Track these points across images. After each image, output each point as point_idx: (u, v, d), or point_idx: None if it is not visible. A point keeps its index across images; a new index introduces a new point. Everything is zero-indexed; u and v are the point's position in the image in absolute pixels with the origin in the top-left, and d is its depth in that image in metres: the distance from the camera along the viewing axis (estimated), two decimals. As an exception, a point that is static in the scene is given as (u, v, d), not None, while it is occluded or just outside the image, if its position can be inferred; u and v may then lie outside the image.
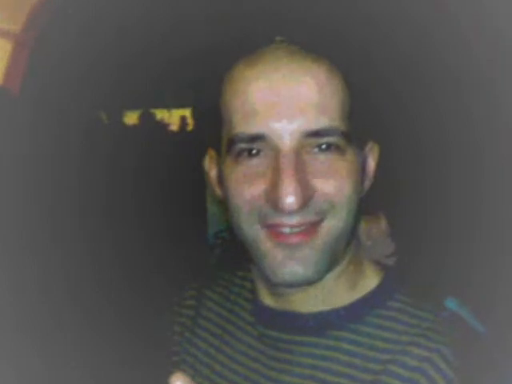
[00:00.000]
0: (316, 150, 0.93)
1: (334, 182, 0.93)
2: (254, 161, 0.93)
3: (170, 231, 5.05)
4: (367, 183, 1.03)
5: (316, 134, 0.92)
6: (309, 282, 0.95)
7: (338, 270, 1.01)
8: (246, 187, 0.94)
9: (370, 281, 1.04)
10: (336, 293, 1.02)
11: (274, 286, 1.01)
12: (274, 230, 0.94)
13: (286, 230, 0.93)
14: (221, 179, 1.01)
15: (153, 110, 7.48)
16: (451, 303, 1.04)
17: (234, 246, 1.05)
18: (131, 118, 7.14)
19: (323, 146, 0.93)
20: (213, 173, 1.05)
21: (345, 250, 1.00)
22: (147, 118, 7.13)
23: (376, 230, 2.10)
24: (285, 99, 0.91)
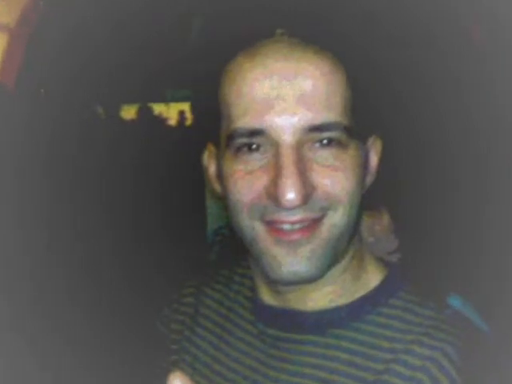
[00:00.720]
0: (317, 145, 0.92)
1: (335, 178, 0.93)
2: (254, 156, 0.93)
3: (168, 228, 5.05)
4: (370, 178, 1.03)
5: (317, 128, 0.91)
6: (309, 280, 0.95)
7: (339, 267, 1.01)
8: (246, 183, 0.93)
9: (373, 278, 1.04)
10: (337, 290, 1.01)
11: (274, 284, 1.01)
12: (274, 226, 0.93)
13: (287, 226, 0.93)
14: (220, 175, 1.00)
15: (151, 104, 7.46)
16: (455, 301, 1.04)
17: (233, 242, 1.05)
18: (129, 112, 7.12)
19: (325, 141, 0.92)
20: (212, 168, 1.05)
21: (347, 246, 0.99)
22: (145, 113, 7.12)
23: (378, 226, 2.09)
24: (285, 93, 0.90)
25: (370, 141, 1.02)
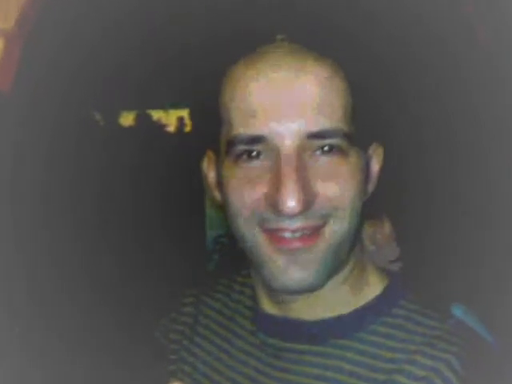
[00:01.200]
0: (318, 152, 0.93)
1: (336, 185, 0.93)
2: (254, 163, 0.93)
3: (167, 236, 5.04)
4: (371, 186, 1.03)
5: (318, 135, 0.91)
6: (311, 289, 0.95)
7: (341, 275, 1.01)
8: (246, 190, 0.94)
9: (375, 287, 1.04)
10: (339, 300, 1.01)
11: (275, 293, 1.01)
12: (274, 234, 0.93)
13: (287, 234, 0.93)
14: (220, 182, 1.00)
15: (149, 111, 7.46)
16: (458, 310, 1.04)
17: (233, 251, 1.05)
18: (127, 119, 7.13)
19: (325, 148, 0.93)
20: (211, 175, 1.05)
21: (348, 255, 0.99)
22: (143, 119, 7.13)
23: (380, 235, 2.10)
24: (286, 99, 0.91)
25: (371, 148, 1.02)
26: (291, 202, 0.89)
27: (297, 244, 0.93)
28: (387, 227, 2.11)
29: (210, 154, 1.04)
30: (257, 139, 0.92)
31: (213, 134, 0.99)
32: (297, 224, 0.92)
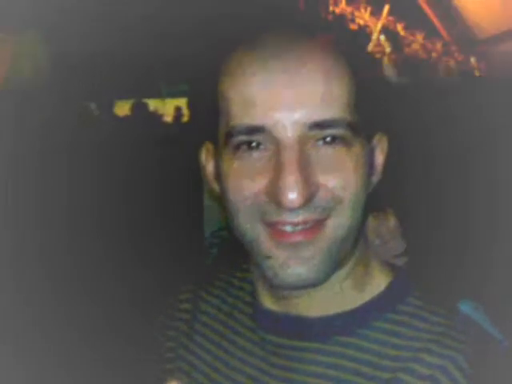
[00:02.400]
0: (320, 142, 0.92)
1: (339, 177, 0.92)
2: (254, 154, 0.93)
3: (164, 230, 5.04)
4: (375, 177, 1.03)
5: (320, 125, 0.91)
6: (313, 284, 0.95)
7: (344, 271, 1.00)
8: (246, 182, 0.93)
9: (379, 283, 1.04)
10: (342, 295, 1.01)
11: (276, 289, 1.00)
12: (275, 228, 0.93)
13: (288, 228, 0.92)
14: (218, 174, 1.00)
15: (146, 100, 7.46)
16: (465, 306, 1.04)
17: (232, 245, 1.05)
18: (123, 108, 7.13)
19: (328, 139, 0.92)
20: (210, 167, 1.05)
21: (351, 249, 0.99)
22: (140, 109, 7.13)
23: (385, 228, 2.09)
24: (286, 88, 0.90)
25: (376, 138, 1.02)
26: (292, 195, 0.89)
27: (298, 238, 0.92)
28: (392, 220, 2.10)
29: (209, 145, 1.04)
30: (256, 129, 0.91)
31: (211, 125, 0.99)
32: (298, 217, 0.92)
